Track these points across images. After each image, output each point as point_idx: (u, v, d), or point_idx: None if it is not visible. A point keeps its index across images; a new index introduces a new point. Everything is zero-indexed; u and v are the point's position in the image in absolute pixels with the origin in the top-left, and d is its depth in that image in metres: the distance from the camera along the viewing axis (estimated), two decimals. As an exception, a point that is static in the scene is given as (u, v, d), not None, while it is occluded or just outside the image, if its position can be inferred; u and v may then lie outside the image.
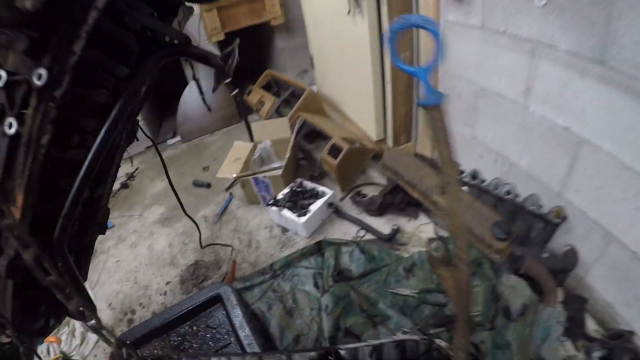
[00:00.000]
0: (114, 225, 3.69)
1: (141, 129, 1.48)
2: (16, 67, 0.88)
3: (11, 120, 0.88)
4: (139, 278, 3.11)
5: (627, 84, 1.61)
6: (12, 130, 0.87)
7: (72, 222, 1.03)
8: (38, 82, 0.85)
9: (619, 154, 1.77)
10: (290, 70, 4.87)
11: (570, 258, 2.21)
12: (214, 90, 1.84)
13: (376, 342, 1.64)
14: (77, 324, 2.98)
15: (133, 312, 2.86)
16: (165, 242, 3.38)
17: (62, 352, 2.79)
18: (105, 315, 2.93)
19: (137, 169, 4.52)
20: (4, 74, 0.87)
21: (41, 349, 2.77)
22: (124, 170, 4.41)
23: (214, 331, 2.34)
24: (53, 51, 0.86)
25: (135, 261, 3.27)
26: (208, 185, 3.93)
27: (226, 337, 2.30)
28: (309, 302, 2.43)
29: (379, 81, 3.04)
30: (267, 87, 4.46)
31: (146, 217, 3.74)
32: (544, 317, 2.05)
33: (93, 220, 1.31)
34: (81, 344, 2.87)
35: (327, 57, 3.88)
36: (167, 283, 3.00)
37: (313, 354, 1.63)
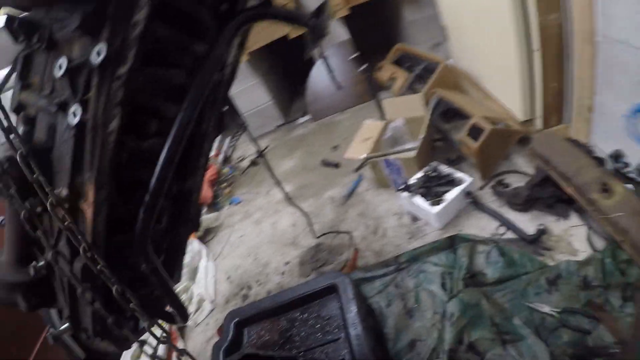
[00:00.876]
0: (241, 201, 3.85)
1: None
2: (77, 51, 0.83)
3: (75, 107, 0.83)
4: (259, 255, 3.20)
5: None
6: (77, 119, 0.83)
7: (156, 218, 0.99)
8: (97, 59, 0.78)
9: None
10: (422, 43, 4.50)
11: None
12: (307, 54, 1.71)
13: None
14: (197, 290, 3.25)
15: (249, 287, 2.97)
16: (289, 222, 3.42)
17: None
18: (223, 287, 3.10)
19: (267, 147, 4.64)
20: (64, 61, 0.82)
21: None
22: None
23: (325, 322, 2.26)
24: (111, 23, 0.79)
25: (257, 238, 3.38)
26: (337, 165, 3.87)
27: (336, 330, 2.19)
28: (432, 304, 2.26)
29: (524, 49, 2.61)
30: (398, 63, 4.22)
31: (273, 195, 3.82)
32: None
33: (184, 216, 1.27)
34: (195, 311, 3.09)
35: (463, 26, 3.47)
36: (286, 263, 3.03)
37: None
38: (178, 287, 3.13)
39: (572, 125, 2.66)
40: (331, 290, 2.34)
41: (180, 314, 1.18)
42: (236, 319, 2.35)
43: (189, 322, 3.03)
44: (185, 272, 3.25)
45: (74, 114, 0.83)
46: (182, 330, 2.95)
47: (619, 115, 2.21)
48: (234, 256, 3.29)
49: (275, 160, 4.38)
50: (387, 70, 4.06)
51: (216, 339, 2.67)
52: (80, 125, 0.84)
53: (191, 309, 3.08)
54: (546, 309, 1.99)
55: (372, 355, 1.95)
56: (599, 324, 1.85)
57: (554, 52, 2.51)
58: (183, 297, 3.17)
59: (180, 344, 2.79)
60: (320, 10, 1.27)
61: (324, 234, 3.10)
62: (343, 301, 2.21)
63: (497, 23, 2.75)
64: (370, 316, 2.26)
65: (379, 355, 2.01)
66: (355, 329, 2.06)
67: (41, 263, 1.03)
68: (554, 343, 1.88)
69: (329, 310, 2.31)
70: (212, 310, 3.06)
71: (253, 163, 4.42)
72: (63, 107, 0.87)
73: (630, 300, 1.85)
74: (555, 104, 2.72)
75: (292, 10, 1.07)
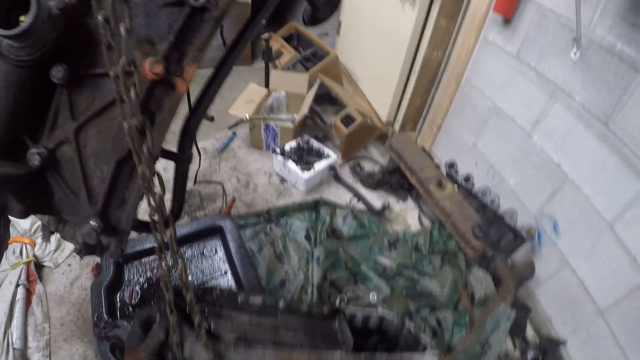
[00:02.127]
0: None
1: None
2: None
3: None
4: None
5: (619, 148, 1.96)
6: (201, 1, 0.85)
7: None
8: None
9: (593, 199, 2.13)
10: (311, 29, 4.92)
11: (529, 271, 2.57)
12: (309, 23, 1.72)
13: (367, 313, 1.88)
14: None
15: None
16: (159, 166, 3.47)
17: (35, 256, 2.75)
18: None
19: None
20: None
21: (13, 248, 2.75)
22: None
23: (210, 260, 2.53)
24: None
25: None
26: (212, 119, 4.00)
27: (222, 266, 2.49)
28: (298, 252, 2.69)
29: (406, 69, 3.24)
30: (288, 39, 4.50)
31: None
32: (499, 311, 2.40)
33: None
34: (55, 250, 2.85)
35: (358, 29, 3.96)
36: None
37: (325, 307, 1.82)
38: (36, 224, 2.84)
39: (421, 135, 3.41)
40: (214, 231, 2.58)
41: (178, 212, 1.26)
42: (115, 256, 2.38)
43: (49, 262, 2.80)
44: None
45: None
46: (39, 272, 2.73)
47: (458, 137, 3.00)
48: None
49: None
50: (275, 43, 4.31)
51: (82, 280, 2.67)
52: (201, 8, 0.86)
53: (50, 247, 2.83)
54: (387, 262, 2.64)
55: (259, 285, 2.30)
56: (424, 277, 2.57)
57: (427, 78, 3.21)
58: (39, 234, 2.84)
59: (39, 287, 2.58)
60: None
61: (198, 182, 3.26)
62: (228, 240, 2.49)
63: (392, 41, 3.31)
64: (248, 256, 2.52)
65: (262, 287, 2.35)
66: (240, 264, 2.37)
67: (39, 151, 0.91)
68: (393, 284, 2.53)
69: (212, 249, 2.56)
70: (74, 251, 2.86)
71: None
72: None
73: (447, 263, 2.61)
74: (414, 115, 3.45)
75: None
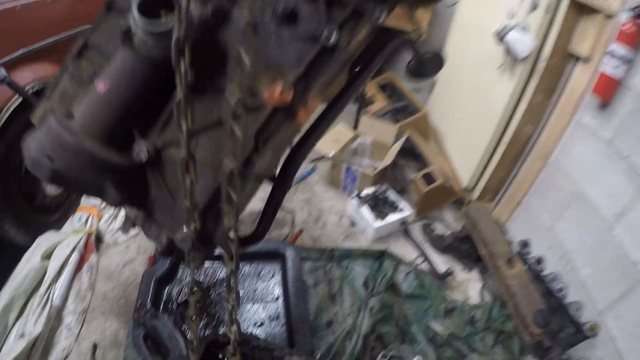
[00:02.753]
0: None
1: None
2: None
3: (334, 31, 0.90)
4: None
5: None
6: (332, 41, 0.90)
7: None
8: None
9: None
10: (406, 82, 5.01)
11: None
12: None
13: None
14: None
15: None
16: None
17: (98, 229, 2.93)
18: None
19: None
20: None
21: (80, 216, 2.96)
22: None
23: (264, 283, 2.61)
24: None
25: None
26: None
27: (274, 292, 2.57)
28: (352, 297, 2.70)
29: (495, 139, 3.21)
30: (382, 88, 4.64)
31: None
32: None
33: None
34: (119, 229, 3.00)
35: (452, 90, 4.02)
36: None
37: None
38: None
39: (498, 208, 3.33)
40: (274, 255, 2.68)
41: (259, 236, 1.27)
42: None
43: (110, 239, 2.96)
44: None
45: (329, 38, 0.90)
46: (98, 245, 2.90)
47: (536, 217, 2.92)
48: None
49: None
50: (370, 89, 4.46)
51: (135, 264, 2.83)
52: (331, 47, 0.91)
53: (115, 225, 3.02)
54: (439, 328, 2.57)
55: (307, 319, 2.34)
56: (474, 352, 2.47)
57: (514, 152, 3.17)
58: (111, 212, 3.06)
59: (93, 257, 2.75)
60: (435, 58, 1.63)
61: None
62: (288, 267, 2.57)
63: (485, 109, 3.32)
64: (303, 289, 2.60)
65: (309, 321, 2.39)
66: (294, 294, 2.43)
67: (147, 147, 0.92)
68: (439, 355, 2.46)
69: (270, 272, 2.64)
70: (136, 234, 2.99)
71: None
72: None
73: (500, 344, 2.50)
74: (494, 187, 3.38)
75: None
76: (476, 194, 3.45)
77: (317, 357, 2.36)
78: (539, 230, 2.93)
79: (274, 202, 1.23)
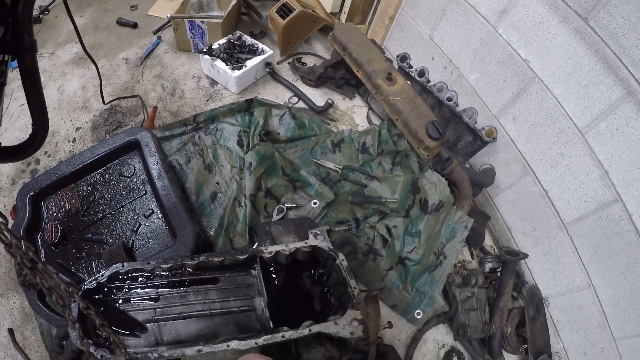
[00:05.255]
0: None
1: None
2: None
3: None
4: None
5: (599, 47, 1.64)
6: None
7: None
8: None
9: (564, 102, 1.84)
10: None
11: (488, 176, 2.33)
12: None
13: (292, 247, 1.67)
14: None
15: (37, 161, 2.58)
16: (78, 84, 3.01)
17: None
18: (4, 167, 2.62)
19: (53, 2, 3.89)
20: None
21: None
22: (38, 2, 3.76)
23: (128, 180, 2.20)
24: None
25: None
26: (134, 25, 3.50)
27: (141, 186, 2.17)
28: (230, 160, 2.36)
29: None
30: None
31: (58, 55, 3.26)
32: (454, 219, 2.19)
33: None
34: None
35: None
36: (77, 129, 2.71)
37: (242, 257, 1.63)
38: None
39: (371, 27, 2.99)
40: (132, 147, 2.25)
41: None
42: (30, 193, 2.08)
43: None
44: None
45: None
46: None
47: (413, 30, 2.64)
48: (15, 129, 2.72)
49: (62, 17, 3.66)
50: None
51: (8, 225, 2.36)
52: None
53: None
54: (331, 165, 2.33)
55: (181, 203, 1.99)
56: (373, 180, 2.28)
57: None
58: None
59: None
60: None
61: (117, 98, 2.82)
62: (146, 155, 2.16)
63: None
64: (172, 171, 2.25)
65: (186, 205, 2.06)
66: (161, 181, 2.06)
67: None
68: (338, 190, 2.24)
69: (130, 167, 2.23)
70: None
71: (35, 20, 3.63)
72: None
73: (398, 165, 2.32)
74: (363, 6, 3.01)
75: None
76: (344, 17, 3.08)
77: (212, 236, 2.13)
78: (418, 43, 2.67)
79: (28, 77, 1.10)
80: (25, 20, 1.00)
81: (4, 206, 2.47)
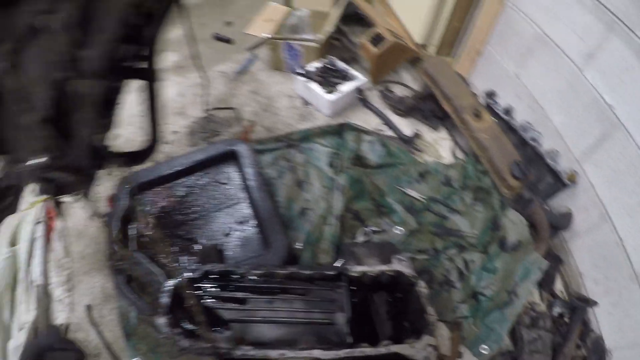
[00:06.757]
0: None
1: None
2: None
3: None
4: (143, 124, 3.02)
5: None
6: None
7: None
8: None
9: None
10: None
11: (566, 220, 2.35)
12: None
13: (377, 269, 1.77)
14: None
15: None
16: (176, 91, 3.28)
17: None
18: None
19: None
20: None
21: (32, 187, 2.61)
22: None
23: (224, 187, 2.39)
24: None
25: (140, 106, 3.16)
26: (229, 41, 3.75)
27: (237, 195, 2.35)
28: (320, 179, 2.52)
29: (443, -12, 2.88)
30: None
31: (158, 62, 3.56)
32: (530, 259, 2.22)
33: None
34: None
35: None
36: (174, 132, 2.95)
37: (330, 273, 1.76)
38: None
39: (459, 61, 3.09)
40: (228, 156, 2.44)
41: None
42: (129, 186, 2.29)
43: (69, 198, 2.74)
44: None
45: None
46: (59, 207, 2.65)
47: (499, 66, 2.71)
48: (127, 133, 2.99)
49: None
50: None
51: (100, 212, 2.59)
52: None
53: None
54: (415, 194, 2.44)
55: (276, 215, 2.15)
56: (454, 213, 2.37)
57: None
58: None
59: (58, 223, 2.54)
60: None
61: (215, 108, 3.05)
62: (243, 166, 2.33)
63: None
64: (267, 183, 2.41)
65: (280, 218, 2.22)
66: (259, 192, 2.22)
67: None
68: (421, 220, 2.35)
69: (226, 175, 2.42)
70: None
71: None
72: None
73: (480, 201, 2.40)
74: (451, 39, 3.11)
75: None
76: (432, 49, 3.19)
77: (299, 249, 2.25)
78: (504, 80, 2.73)
79: (152, 99, 1.22)
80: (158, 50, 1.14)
81: (98, 193, 2.66)
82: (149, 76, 1.12)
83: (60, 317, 2.17)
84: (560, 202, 2.42)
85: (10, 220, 2.50)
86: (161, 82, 1.21)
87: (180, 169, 2.37)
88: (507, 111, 2.67)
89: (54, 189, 0.99)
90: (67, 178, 0.93)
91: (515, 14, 2.56)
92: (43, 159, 0.84)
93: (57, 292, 2.25)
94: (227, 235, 2.24)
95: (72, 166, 0.91)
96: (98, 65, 0.86)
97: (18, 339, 2.01)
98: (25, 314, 2.12)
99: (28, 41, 0.81)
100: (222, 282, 1.74)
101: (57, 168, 0.88)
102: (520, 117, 2.64)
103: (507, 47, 2.68)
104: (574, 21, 2.18)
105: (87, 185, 0.96)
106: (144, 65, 1.13)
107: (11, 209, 2.71)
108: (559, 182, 2.35)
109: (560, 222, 2.36)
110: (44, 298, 2.22)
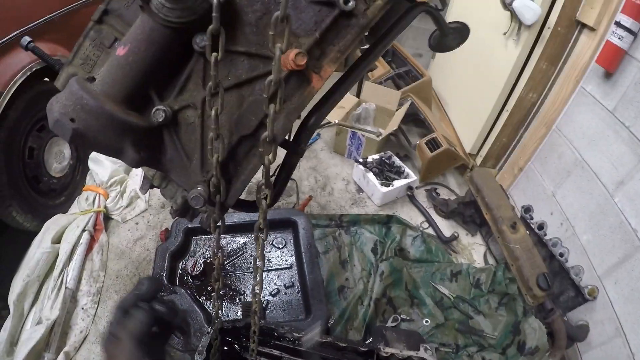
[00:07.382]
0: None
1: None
2: None
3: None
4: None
5: None
6: (350, 6, 0.89)
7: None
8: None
9: None
10: (407, 47, 4.96)
11: (583, 332, 2.51)
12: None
13: (405, 353, 1.91)
14: (133, 186, 3.12)
15: None
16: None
17: (105, 207, 2.94)
18: (157, 190, 3.16)
19: None
20: None
21: (87, 196, 2.95)
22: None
23: (278, 251, 2.69)
24: None
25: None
26: (299, 117, 4.17)
27: (288, 260, 2.64)
28: (362, 262, 2.79)
29: (499, 107, 3.26)
30: (383, 53, 4.58)
31: None
32: None
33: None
34: (126, 207, 3.03)
35: (455, 56, 3.81)
36: None
37: (363, 349, 1.93)
38: (113, 178, 3.08)
39: (500, 173, 3.41)
40: (288, 224, 2.74)
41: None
42: (186, 226, 2.55)
43: (117, 217, 2.96)
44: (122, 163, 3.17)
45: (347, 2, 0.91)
46: (107, 224, 2.90)
47: (538, 184, 3.01)
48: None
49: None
50: (372, 56, 4.42)
51: (146, 240, 2.86)
52: (349, 12, 0.90)
53: (122, 203, 3.03)
54: (445, 291, 2.69)
55: (323, 287, 2.41)
56: (479, 314, 2.61)
57: (517, 118, 3.21)
58: (117, 189, 3.08)
59: (103, 236, 2.75)
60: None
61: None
62: (300, 236, 2.62)
63: (489, 75, 3.34)
64: (316, 255, 2.66)
65: (324, 288, 2.47)
66: (310, 262, 2.49)
67: (164, 108, 0.96)
68: (447, 316, 2.59)
69: (282, 240, 2.71)
70: (144, 210, 3.10)
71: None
72: None
73: (504, 305, 2.63)
74: (498, 153, 3.44)
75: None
76: (479, 159, 3.52)
77: (331, 323, 2.45)
78: (540, 196, 3.01)
79: (287, 168, 1.23)
80: (310, 132, 1.22)
81: (147, 222, 2.95)
82: (295, 151, 1.21)
83: (79, 325, 2.32)
84: (579, 314, 2.57)
85: (59, 219, 2.72)
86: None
87: (236, 224, 2.65)
88: (541, 226, 2.92)
89: (190, 215, 1.13)
90: (209, 211, 1.04)
91: (559, 137, 2.86)
92: (204, 192, 0.97)
93: (84, 300, 2.42)
94: (273, 295, 2.49)
95: (223, 205, 1.03)
96: (279, 139, 0.98)
97: (32, 333, 2.12)
98: (49, 310, 2.25)
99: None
100: (261, 337, 1.87)
101: (210, 203, 1.00)
102: (551, 233, 2.87)
103: (547, 167, 2.96)
104: (610, 150, 2.43)
105: (216, 220, 1.05)
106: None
107: (63, 207, 2.99)
108: (580, 297, 2.52)
109: (578, 334, 2.52)
110: (70, 302, 2.38)
